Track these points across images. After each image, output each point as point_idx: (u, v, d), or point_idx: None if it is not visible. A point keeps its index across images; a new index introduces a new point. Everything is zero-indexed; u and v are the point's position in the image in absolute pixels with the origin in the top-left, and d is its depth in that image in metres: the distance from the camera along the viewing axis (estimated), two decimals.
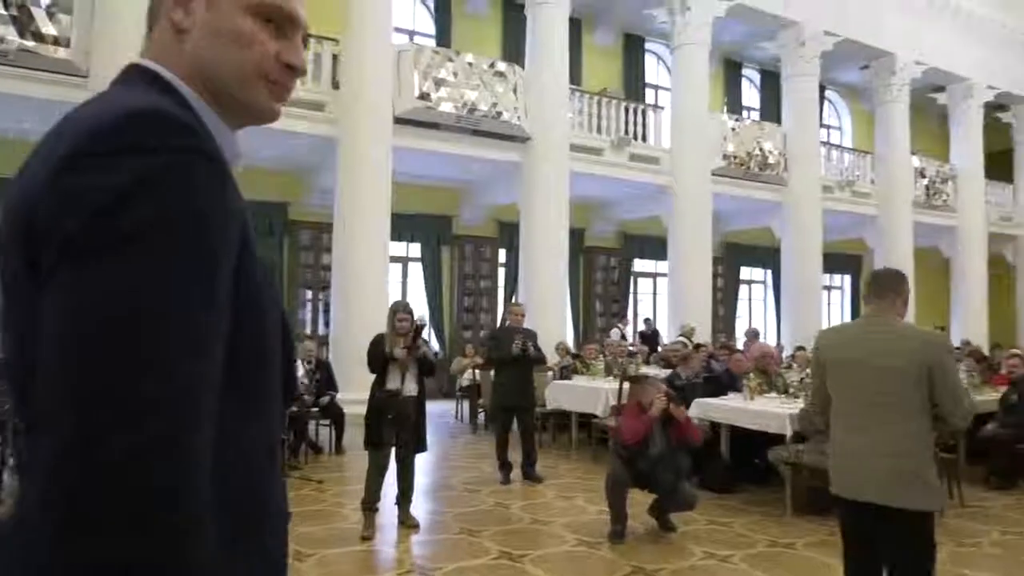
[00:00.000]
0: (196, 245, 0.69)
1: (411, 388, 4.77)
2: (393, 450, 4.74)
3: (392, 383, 4.73)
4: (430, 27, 13.10)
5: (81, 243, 0.65)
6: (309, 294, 11.92)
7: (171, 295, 0.66)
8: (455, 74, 10.19)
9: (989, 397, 7.33)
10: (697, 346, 8.96)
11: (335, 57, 9.81)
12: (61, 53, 8.04)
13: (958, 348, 11.80)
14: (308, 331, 10.82)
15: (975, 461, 6.88)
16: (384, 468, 4.74)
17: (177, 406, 0.65)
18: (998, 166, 16.98)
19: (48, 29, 7.96)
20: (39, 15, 7.90)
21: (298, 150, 10.16)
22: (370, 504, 4.66)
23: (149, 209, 0.67)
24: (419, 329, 4.84)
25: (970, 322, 15.50)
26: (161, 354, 0.65)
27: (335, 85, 9.73)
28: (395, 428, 4.68)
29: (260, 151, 10.04)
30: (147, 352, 0.64)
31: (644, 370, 8.38)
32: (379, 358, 4.73)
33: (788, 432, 5.55)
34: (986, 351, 11.72)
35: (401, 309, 4.88)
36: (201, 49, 0.85)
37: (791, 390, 6.76)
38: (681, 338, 9.93)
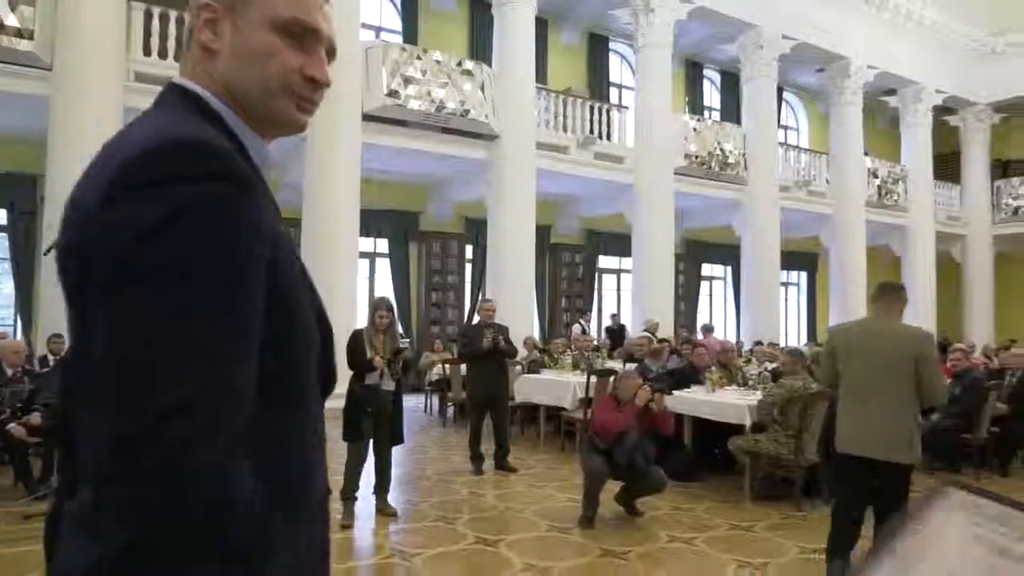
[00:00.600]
0: (219, 272, 0.75)
1: (388, 383, 4.95)
2: (371, 442, 4.90)
3: (371, 379, 4.88)
4: (397, 24, 13.17)
5: (116, 271, 0.73)
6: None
7: (193, 318, 0.73)
8: (423, 72, 10.30)
9: None
10: (661, 341, 9.24)
11: None
12: (24, 45, 7.95)
13: None
14: None
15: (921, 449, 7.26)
16: (363, 460, 4.90)
17: (206, 407, 0.72)
18: (946, 167, 17.66)
19: (11, 21, 7.86)
20: (1, 7, 7.80)
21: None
22: (349, 494, 4.81)
23: (176, 241, 0.73)
24: (400, 351, 5.01)
25: (919, 318, 16.07)
26: (187, 366, 0.72)
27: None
28: (373, 422, 4.84)
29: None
30: (176, 365, 0.72)
31: (609, 364, 8.62)
32: (361, 363, 4.87)
33: (747, 423, 5.83)
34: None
35: (383, 307, 5.04)
36: (231, 67, 0.91)
37: (750, 383, 7.05)
38: (645, 333, 10.20)
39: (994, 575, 0.66)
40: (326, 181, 9.28)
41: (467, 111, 10.57)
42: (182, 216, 0.74)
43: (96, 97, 7.81)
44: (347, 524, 4.69)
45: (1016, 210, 17.08)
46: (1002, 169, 18.11)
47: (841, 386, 3.72)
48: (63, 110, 7.78)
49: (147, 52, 8.65)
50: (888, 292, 3.73)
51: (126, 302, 0.73)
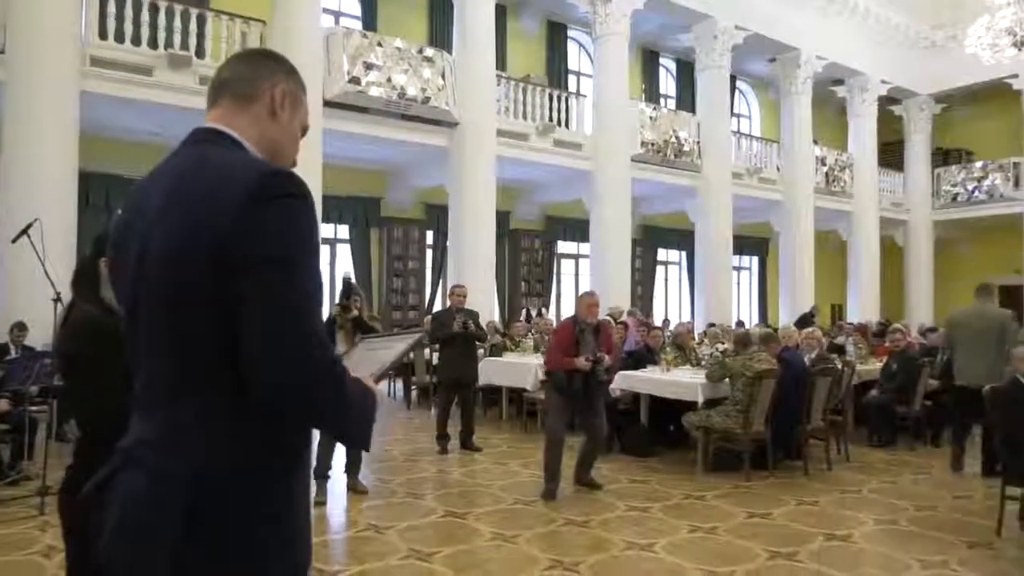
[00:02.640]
0: (318, 257, 1.21)
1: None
2: None
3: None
4: (356, 9, 13.14)
5: (273, 257, 1.11)
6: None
7: (312, 283, 1.16)
8: (385, 59, 10.35)
9: (874, 367, 8.21)
10: (619, 323, 9.53)
11: (262, 39, 9.80)
12: None
13: (850, 324, 12.89)
14: None
15: (860, 423, 7.73)
16: (332, 445, 5.04)
17: (324, 337, 1.16)
18: (890, 156, 18.35)
19: None
20: None
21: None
22: (322, 473, 4.97)
23: (304, 236, 1.16)
24: (355, 307, 5.12)
25: (864, 299, 16.81)
26: (316, 312, 1.16)
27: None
28: None
29: (184, 130, 9.91)
30: (316, 310, 1.16)
31: None
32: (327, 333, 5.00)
33: (700, 400, 6.16)
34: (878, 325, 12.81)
35: (354, 292, 5.18)
36: (280, 134, 1.34)
37: (703, 363, 7.39)
38: (608, 316, 10.51)
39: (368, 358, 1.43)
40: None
41: (428, 98, 10.66)
42: (301, 216, 1.16)
43: (51, 82, 7.71)
44: (321, 501, 4.85)
45: (955, 197, 17.85)
46: (942, 157, 18.87)
47: (957, 347, 6.23)
48: (17, 96, 7.65)
49: (103, 36, 8.54)
50: (985, 289, 6.34)
51: (284, 277, 1.12)
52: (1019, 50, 11.64)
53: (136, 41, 8.74)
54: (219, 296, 1.11)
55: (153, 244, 1.17)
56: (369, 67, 10.21)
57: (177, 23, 8.93)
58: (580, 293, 5.68)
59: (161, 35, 8.80)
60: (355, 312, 5.08)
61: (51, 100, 7.68)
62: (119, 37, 8.63)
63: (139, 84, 8.62)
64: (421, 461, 6.37)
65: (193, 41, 9.07)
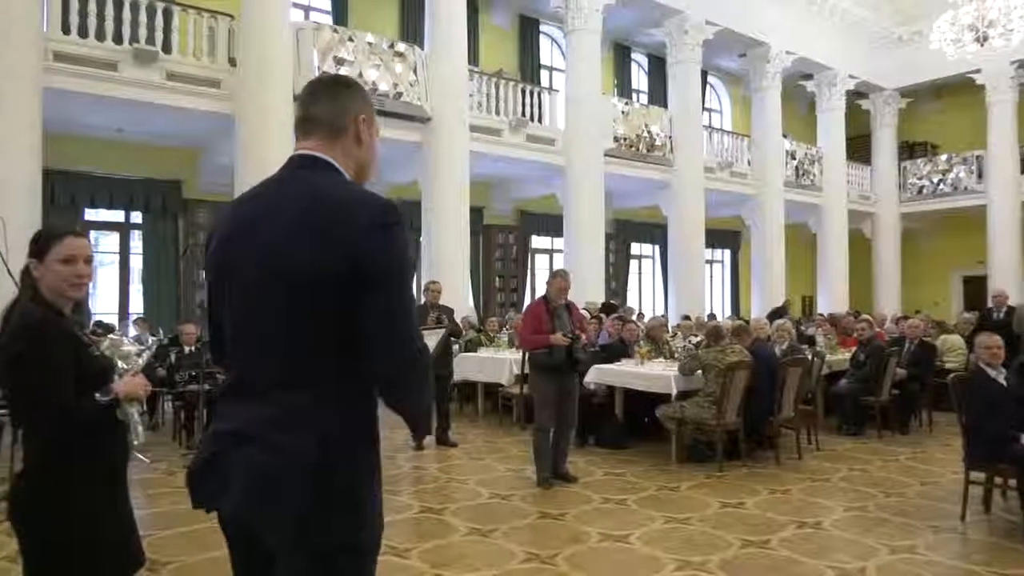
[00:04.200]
0: (412, 266, 1.49)
1: None
2: None
3: None
4: (326, 3, 13.01)
5: (396, 270, 1.40)
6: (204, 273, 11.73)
7: (411, 288, 1.48)
8: (355, 54, 10.27)
9: (842, 357, 8.35)
10: (594, 317, 9.59)
11: (231, 33, 9.68)
12: None
13: (820, 315, 13.08)
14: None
15: (829, 412, 7.87)
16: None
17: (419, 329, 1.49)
18: (857, 149, 18.63)
19: None
20: None
21: (192, 127, 9.98)
22: None
23: (408, 253, 1.43)
24: None
25: (833, 291, 17.07)
26: (414, 308, 1.49)
27: (231, 62, 9.61)
28: None
29: (150, 126, 9.82)
30: (413, 308, 1.46)
31: None
32: None
33: (674, 392, 6.22)
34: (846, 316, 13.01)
35: None
36: (364, 156, 1.60)
37: (676, 355, 7.46)
38: (585, 310, 10.60)
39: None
40: (256, 163, 9.17)
41: (400, 93, 10.60)
42: (406, 239, 1.45)
43: (13, 78, 7.53)
44: None
45: (920, 189, 18.18)
46: (908, 151, 19.21)
47: None
48: None
49: (66, 30, 8.36)
50: None
51: (402, 282, 1.43)
52: (981, 45, 11.89)
53: (100, 36, 8.56)
54: (343, 302, 1.36)
55: (280, 258, 1.39)
56: (340, 62, 10.12)
57: (143, 17, 8.78)
58: (552, 272, 5.68)
59: (126, 30, 8.64)
60: None
61: (13, 97, 7.51)
62: (83, 32, 8.46)
63: (104, 80, 8.46)
64: (397, 458, 6.36)
65: (160, 36, 8.92)
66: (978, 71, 15.93)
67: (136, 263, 11.29)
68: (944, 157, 17.95)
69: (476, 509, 4.80)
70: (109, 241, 11.30)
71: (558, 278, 5.55)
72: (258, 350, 1.43)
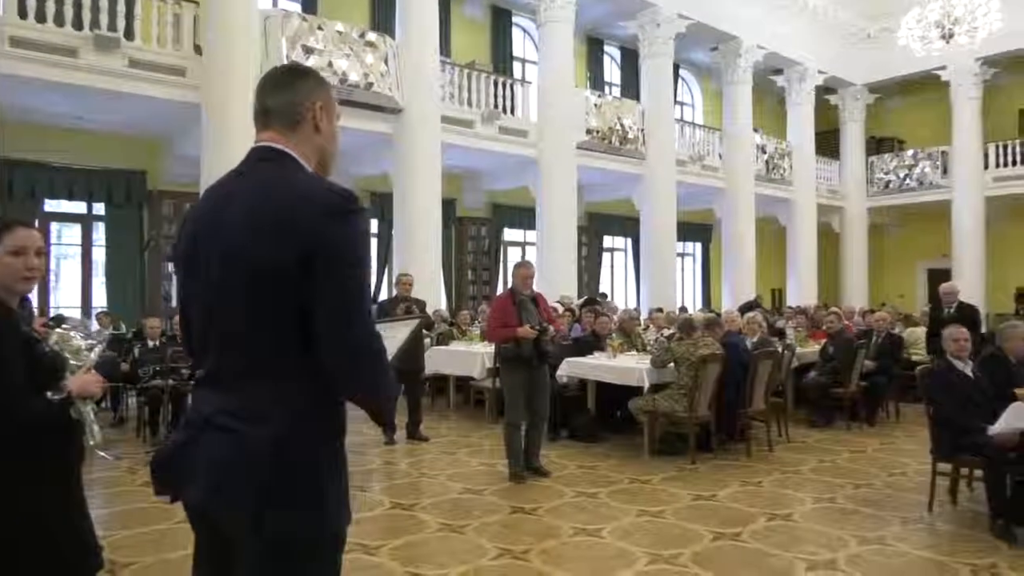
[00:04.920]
0: (370, 255, 1.58)
1: None
2: None
3: None
4: None
5: (350, 259, 1.40)
6: (171, 267, 11.48)
7: (368, 276, 1.48)
8: (325, 43, 10.10)
9: (812, 350, 8.43)
10: (567, 311, 9.58)
11: (196, 21, 9.45)
12: None
13: (791, 308, 13.23)
14: (174, 304, 10.49)
15: (798, 404, 7.94)
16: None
17: (373, 318, 1.48)
18: (827, 144, 18.84)
19: None
20: None
21: (157, 116, 9.74)
22: None
23: (366, 243, 1.47)
24: None
25: (803, 284, 17.27)
26: (370, 297, 1.46)
27: (197, 50, 9.39)
28: None
29: (112, 115, 9.56)
30: (369, 297, 1.45)
31: None
32: None
33: (646, 384, 6.21)
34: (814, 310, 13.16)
35: None
36: (324, 143, 1.60)
37: (648, 348, 7.46)
38: (559, 303, 10.63)
39: None
40: (223, 154, 8.96)
41: (371, 83, 10.44)
42: (368, 230, 1.48)
43: None
44: None
45: (887, 184, 18.45)
46: (876, 146, 19.48)
47: None
48: None
49: (23, 15, 8.08)
50: None
51: (359, 272, 1.43)
52: (947, 42, 12.05)
53: (59, 21, 8.29)
54: (300, 293, 1.38)
55: (241, 252, 1.40)
56: (309, 51, 9.94)
57: (104, 2, 8.52)
58: (516, 263, 5.63)
59: (87, 15, 8.36)
60: None
61: None
62: (40, 16, 8.17)
63: (63, 67, 8.19)
64: (367, 453, 6.27)
65: (122, 22, 8.66)
66: (943, 68, 16.19)
67: (99, 256, 11.01)
68: (910, 152, 18.23)
69: (447, 504, 4.74)
70: (71, 233, 11.01)
71: (522, 267, 5.51)
72: (224, 343, 1.45)
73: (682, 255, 17.76)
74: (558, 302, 10.94)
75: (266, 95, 1.57)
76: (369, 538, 4.02)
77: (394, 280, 7.59)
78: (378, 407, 1.52)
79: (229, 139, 9.04)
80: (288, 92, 1.56)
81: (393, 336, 1.70)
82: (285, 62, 9.71)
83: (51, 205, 10.43)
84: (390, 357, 1.57)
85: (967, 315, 7.72)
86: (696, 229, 18.06)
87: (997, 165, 16.65)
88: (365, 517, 4.42)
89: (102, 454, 6.19)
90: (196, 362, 1.57)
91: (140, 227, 11.05)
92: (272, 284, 1.38)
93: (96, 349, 2.24)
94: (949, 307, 8.06)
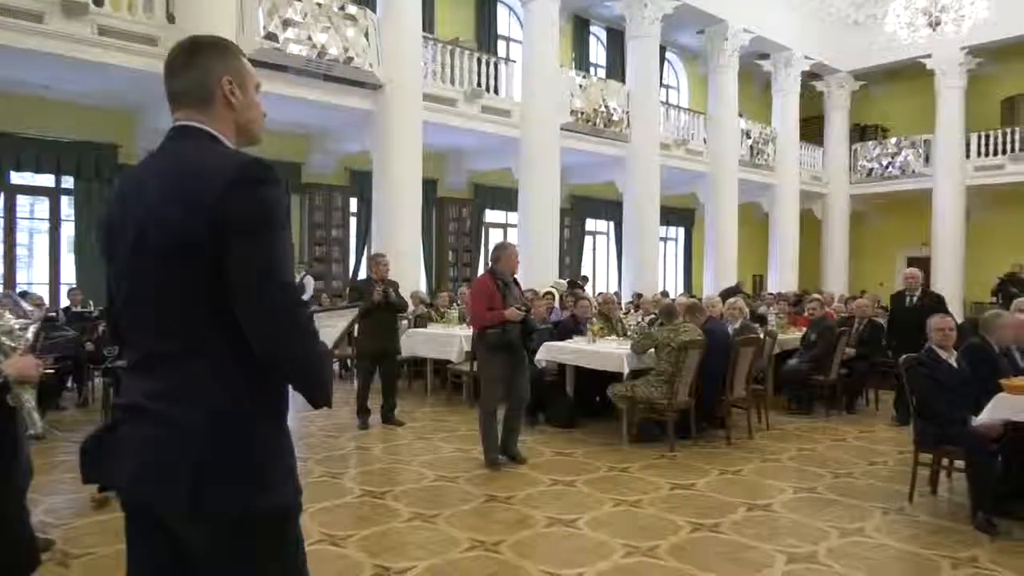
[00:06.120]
0: (288, 225, 1.44)
1: None
2: None
3: None
4: None
5: (259, 226, 1.36)
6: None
7: (287, 246, 1.42)
8: (304, 15, 9.81)
9: (793, 336, 8.37)
10: (545, 294, 9.45)
11: None
12: None
13: (771, 294, 13.19)
14: None
15: (778, 391, 7.88)
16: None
17: (298, 290, 1.42)
18: (810, 130, 18.79)
19: None
20: None
21: (128, 87, 9.40)
22: None
23: (279, 210, 1.40)
24: None
25: (784, 270, 17.27)
26: (287, 268, 1.40)
27: (170, 19, 9.06)
28: None
29: (81, 84, 9.23)
30: (288, 268, 1.40)
31: None
32: None
33: (625, 370, 6.10)
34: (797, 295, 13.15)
35: None
36: (240, 116, 1.55)
37: (629, 332, 7.35)
38: (552, 288, 10.57)
39: None
40: None
41: (351, 58, 10.17)
42: (279, 197, 1.42)
43: None
44: None
45: (870, 171, 18.45)
46: (859, 133, 19.46)
47: None
48: None
49: None
50: None
51: (270, 239, 1.38)
52: (933, 30, 11.97)
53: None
54: (219, 268, 1.34)
55: (155, 230, 1.37)
56: (287, 23, 9.64)
57: None
58: (500, 244, 5.47)
59: None
60: None
61: None
62: None
63: (28, 32, 7.84)
64: (340, 437, 6.12)
65: None
66: (928, 56, 16.14)
67: (69, 230, 10.70)
68: (893, 140, 18.23)
69: (420, 492, 4.61)
70: (40, 208, 10.67)
71: (510, 249, 5.35)
72: (148, 325, 1.43)
73: (665, 239, 17.69)
74: (552, 287, 10.84)
75: (170, 78, 1.53)
76: (337, 528, 3.87)
77: (369, 261, 7.38)
78: (309, 387, 1.45)
79: None
80: (191, 71, 1.52)
81: (331, 326, 1.66)
82: (263, 34, 9.43)
83: (16, 177, 10.08)
84: (329, 346, 1.57)
85: (932, 304, 6.95)
86: (679, 214, 17.98)
87: (979, 154, 16.68)
88: (334, 505, 4.27)
89: (53, 430, 5.99)
90: (124, 348, 1.54)
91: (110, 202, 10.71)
92: (191, 261, 1.35)
93: (31, 328, 2.07)
94: (912, 295, 7.32)
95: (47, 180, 10.39)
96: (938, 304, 6.98)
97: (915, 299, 7.25)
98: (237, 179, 1.37)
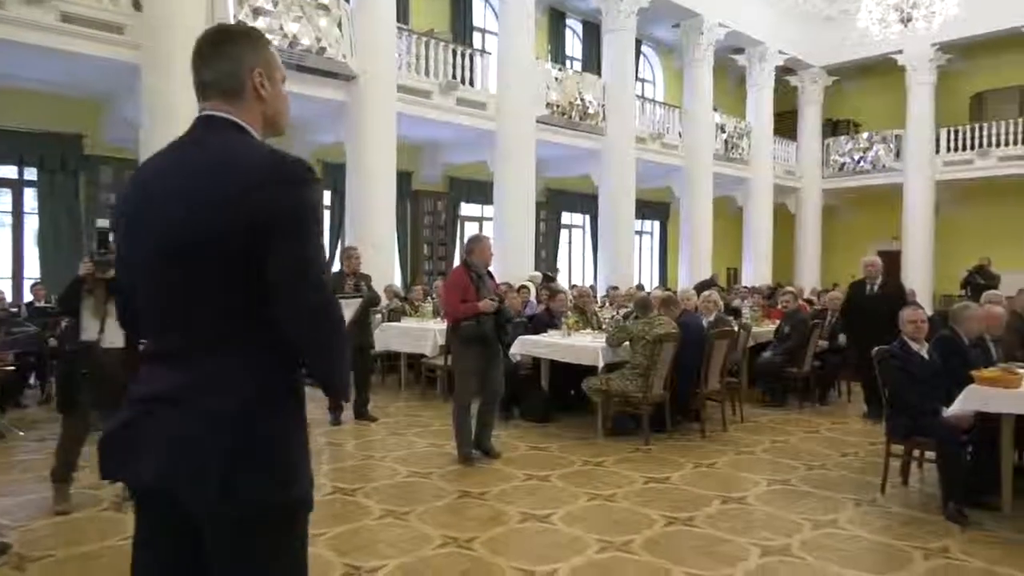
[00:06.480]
0: (323, 226, 1.48)
1: (115, 338, 3.96)
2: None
3: (88, 332, 4.00)
4: None
5: (300, 226, 1.38)
6: (112, 237, 10.93)
7: (322, 244, 1.44)
8: (275, 3, 9.63)
9: (767, 329, 8.41)
10: (520, 288, 9.40)
11: None
12: None
13: (747, 288, 13.28)
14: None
15: (752, 384, 7.92)
16: (81, 438, 4.07)
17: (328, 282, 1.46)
18: (784, 125, 18.92)
19: None
20: None
21: (93, 76, 9.18)
22: (63, 476, 4.05)
23: (317, 208, 1.44)
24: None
25: (758, 264, 17.40)
26: (324, 262, 1.45)
27: (136, 6, 8.84)
28: (95, 389, 3.96)
29: (44, 73, 8.98)
30: (322, 262, 1.43)
31: None
32: (72, 295, 4.02)
33: (600, 364, 6.07)
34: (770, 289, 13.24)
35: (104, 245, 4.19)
36: (268, 108, 1.54)
37: (604, 326, 7.32)
38: (529, 281, 10.52)
39: None
40: (164, 118, 8.49)
41: (323, 48, 10.02)
42: (319, 197, 1.47)
43: None
44: (63, 511, 3.97)
45: (842, 166, 18.63)
46: (832, 128, 19.64)
47: None
48: None
49: None
50: None
51: (308, 238, 1.39)
52: (904, 26, 12.09)
53: None
54: (255, 264, 1.34)
55: (191, 223, 1.36)
56: (257, 12, 9.47)
57: None
58: (473, 236, 5.41)
59: None
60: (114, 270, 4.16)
61: None
62: None
63: None
64: (312, 433, 6.00)
65: None
66: (900, 52, 16.31)
67: (33, 224, 10.42)
68: (865, 135, 18.42)
69: (392, 489, 4.54)
70: (2, 200, 10.38)
71: (483, 241, 5.28)
72: (176, 317, 1.42)
73: (640, 233, 17.71)
74: (529, 280, 10.78)
75: (201, 67, 1.51)
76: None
77: (341, 255, 7.27)
78: (331, 377, 1.49)
79: (170, 102, 8.55)
80: (222, 62, 1.50)
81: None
82: (232, 22, 9.23)
83: None
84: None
85: (892, 293, 6.77)
86: (655, 207, 18.01)
87: (948, 150, 16.91)
88: None
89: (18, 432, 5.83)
90: (144, 337, 1.53)
91: (76, 193, 10.46)
92: (226, 255, 1.35)
93: None
94: (872, 284, 7.03)
95: (10, 172, 10.11)
96: (900, 293, 6.88)
97: (875, 288, 7.00)
98: (279, 178, 1.38)
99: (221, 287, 1.37)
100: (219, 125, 1.48)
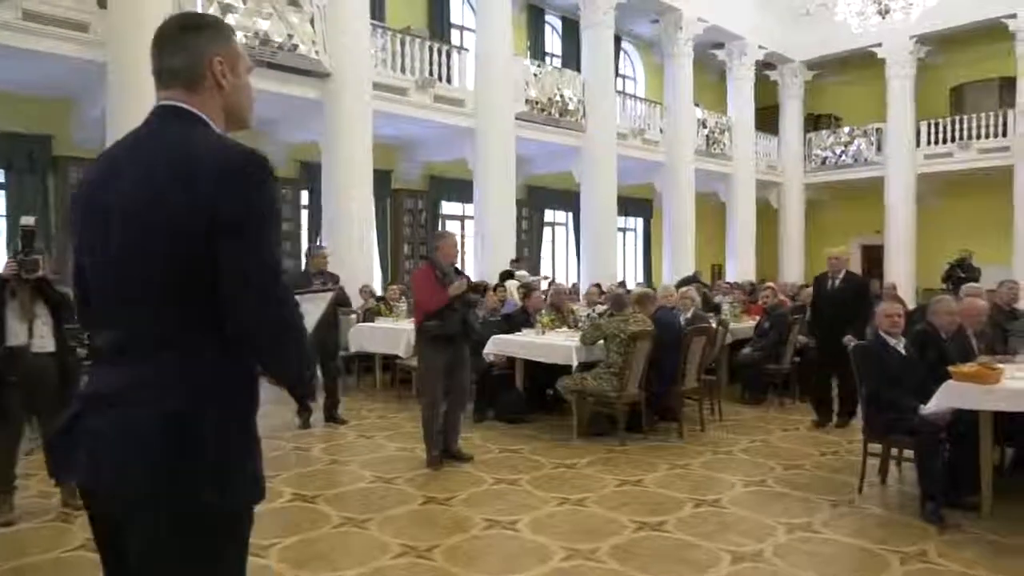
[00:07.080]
0: (280, 223, 1.51)
1: (45, 342, 3.88)
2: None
3: (15, 337, 3.82)
4: None
5: (254, 221, 1.33)
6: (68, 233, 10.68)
7: (277, 244, 1.42)
8: (244, 0, 9.44)
9: (747, 325, 8.31)
10: (496, 287, 9.27)
11: None
12: None
13: (728, 284, 13.20)
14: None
15: (732, 380, 7.82)
16: (13, 448, 3.93)
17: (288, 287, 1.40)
18: (766, 120, 18.86)
19: None
20: None
21: (60, 75, 8.95)
22: (5, 485, 3.90)
23: (272, 207, 1.40)
24: (59, 300, 3.92)
25: (741, 259, 17.33)
26: (279, 265, 1.38)
27: (101, 4, 8.62)
28: (27, 397, 3.85)
29: (9, 73, 8.75)
30: (277, 265, 1.37)
31: None
32: None
33: (575, 363, 5.94)
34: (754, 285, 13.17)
35: (37, 244, 3.92)
36: (230, 98, 1.49)
37: (579, 324, 7.20)
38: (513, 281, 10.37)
39: None
40: (131, 115, 8.27)
41: (295, 45, 9.83)
42: (276, 193, 1.44)
43: None
44: (7, 522, 3.81)
45: (824, 160, 18.60)
46: (814, 122, 19.61)
47: None
48: None
49: None
50: None
51: (262, 236, 1.35)
52: (883, 18, 12.04)
53: None
54: (207, 260, 1.29)
55: (144, 216, 1.31)
56: (226, 9, 9.27)
57: None
58: (438, 233, 5.29)
59: None
60: (41, 271, 3.85)
61: None
62: None
63: None
64: (279, 438, 5.85)
65: None
66: (879, 45, 16.28)
67: (1, 226, 10.18)
68: (846, 129, 18.38)
69: (354, 495, 4.39)
70: None
71: (448, 238, 5.16)
72: (125, 315, 1.37)
73: (623, 230, 17.60)
74: (518, 279, 10.63)
75: (161, 55, 1.46)
76: (260, 536, 3.63)
77: (307, 253, 7.11)
78: (289, 379, 1.46)
79: (138, 101, 8.34)
80: (183, 51, 1.45)
81: (308, 312, 1.55)
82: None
83: None
84: (308, 332, 1.53)
85: (854, 287, 6.52)
86: (638, 204, 17.91)
87: (928, 143, 16.90)
88: (260, 511, 4.01)
89: None
90: (94, 335, 1.51)
91: (45, 195, 10.23)
92: (177, 251, 1.30)
93: None
94: (835, 278, 6.60)
95: None
96: (860, 287, 6.64)
97: (837, 282, 6.62)
98: (235, 173, 1.33)
99: (169, 285, 1.32)
100: (177, 115, 1.43)
